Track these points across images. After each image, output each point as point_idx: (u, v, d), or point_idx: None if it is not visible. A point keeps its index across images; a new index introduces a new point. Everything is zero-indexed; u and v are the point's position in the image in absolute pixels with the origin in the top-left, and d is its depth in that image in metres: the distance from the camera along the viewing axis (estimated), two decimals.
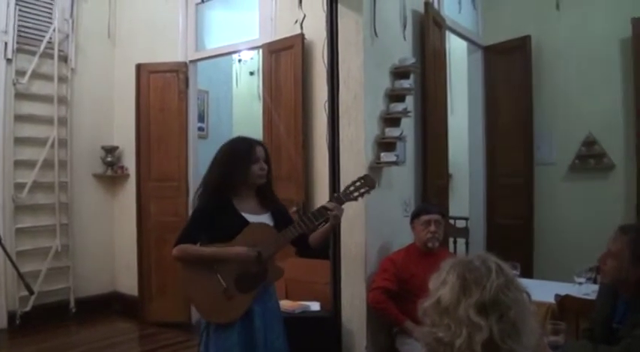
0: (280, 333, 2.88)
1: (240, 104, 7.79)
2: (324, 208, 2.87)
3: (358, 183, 2.96)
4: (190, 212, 5.36)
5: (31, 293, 3.03)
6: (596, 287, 3.00)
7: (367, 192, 2.98)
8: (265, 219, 2.89)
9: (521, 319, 1.40)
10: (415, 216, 3.75)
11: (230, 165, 2.81)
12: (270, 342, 2.80)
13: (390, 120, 3.93)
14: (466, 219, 5.87)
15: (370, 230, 3.75)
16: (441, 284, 1.45)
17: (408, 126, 4.11)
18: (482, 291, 1.39)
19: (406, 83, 3.97)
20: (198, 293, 2.81)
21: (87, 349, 4.93)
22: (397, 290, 3.55)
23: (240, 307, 2.76)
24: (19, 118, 5.54)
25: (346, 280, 3.77)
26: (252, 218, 2.83)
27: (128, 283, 6.06)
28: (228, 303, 2.76)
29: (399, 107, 3.92)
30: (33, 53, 5.63)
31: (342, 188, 3.56)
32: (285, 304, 3.73)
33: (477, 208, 5.81)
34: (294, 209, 4.43)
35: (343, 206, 2.94)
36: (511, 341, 1.37)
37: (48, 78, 5.76)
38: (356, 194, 2.95)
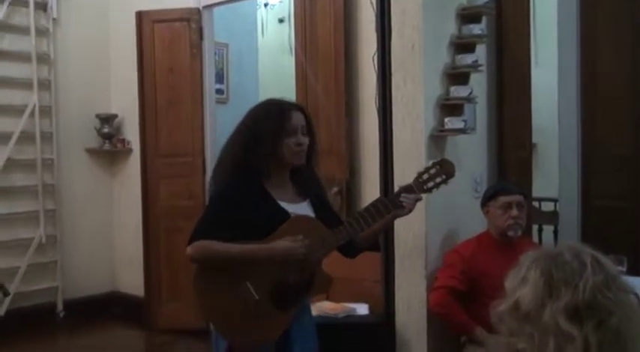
0: None
1: (268, 59, 7.85)
2: (398, 199, 2.77)
3: (433, 170, 2.83)
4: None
5: (6, 294, 3.09)
6: None
7: (444, 181, 2.85)
8: (304, 209, 2.76)
9: (627, 327, 1.38)
10: (490, 198, 3.73)
11: (256, 138, 2.65)
12: None
13: (457, 76, 3.91)
14: (555, 200, 5.80)
15: (432, 216, 3.74)
16: (521, 283, 1.44)
17: (479, 84, 4.08)
18: (574, 292, 1.38)
19: (477, 28, 3.94)
20: (219, 307, 2.66)
21: None
22: (466, 290, 3.57)
23: (274, 328, 2.66)
24: None
25: (402, 277, 3.78)
26: (290, 208, 2.71)
27: (131, 281, 6.19)
28: (260, 322, 2.62)
29: (467, 59, 3.90)
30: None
31: (395, 161, 3.56)
32: (327, 306, 3.76)
33: (569, 187, 5.71)
34: (336, 190, 4.44)
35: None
36: None
37: (22, 31, 5.82)
38: (431, 184, 2.83)
